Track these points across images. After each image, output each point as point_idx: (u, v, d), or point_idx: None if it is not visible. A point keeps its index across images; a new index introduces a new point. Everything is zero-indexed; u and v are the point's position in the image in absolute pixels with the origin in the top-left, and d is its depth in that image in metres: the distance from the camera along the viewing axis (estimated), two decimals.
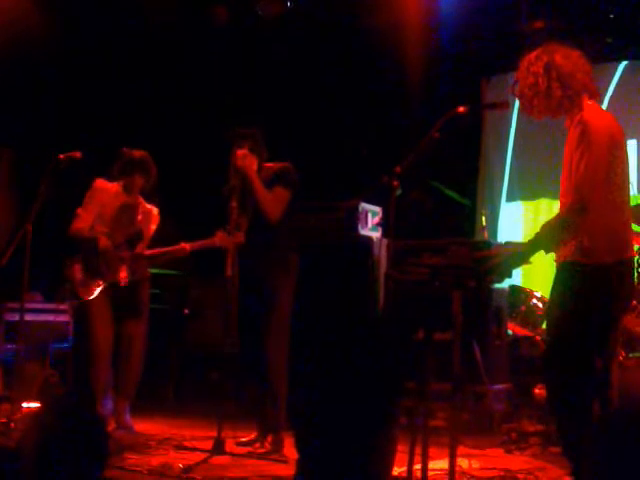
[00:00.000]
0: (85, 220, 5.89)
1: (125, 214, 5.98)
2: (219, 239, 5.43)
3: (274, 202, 5.25)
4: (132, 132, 7.88)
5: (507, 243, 4.35)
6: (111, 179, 6.01)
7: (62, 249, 6.01)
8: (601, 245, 3.70)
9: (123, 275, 5.83)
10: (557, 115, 3.90)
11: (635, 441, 3.25)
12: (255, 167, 5.28)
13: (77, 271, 5.84)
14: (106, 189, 5.98)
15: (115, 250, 5.84)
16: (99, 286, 5.79)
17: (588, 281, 3.70)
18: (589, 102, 3.83)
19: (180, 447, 5.30)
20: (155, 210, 6.10)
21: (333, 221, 6.71)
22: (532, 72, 3.85)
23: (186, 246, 5.80)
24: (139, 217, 6.01)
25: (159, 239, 6.07)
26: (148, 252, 5.94)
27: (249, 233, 5.26)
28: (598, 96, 3.95)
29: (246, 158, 5.21)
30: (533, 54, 3.91)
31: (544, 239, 3.74)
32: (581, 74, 3.84)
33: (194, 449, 5.18)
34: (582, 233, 3.68)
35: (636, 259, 5.80)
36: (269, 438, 5.22)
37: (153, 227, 6.06)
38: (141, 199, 6.07)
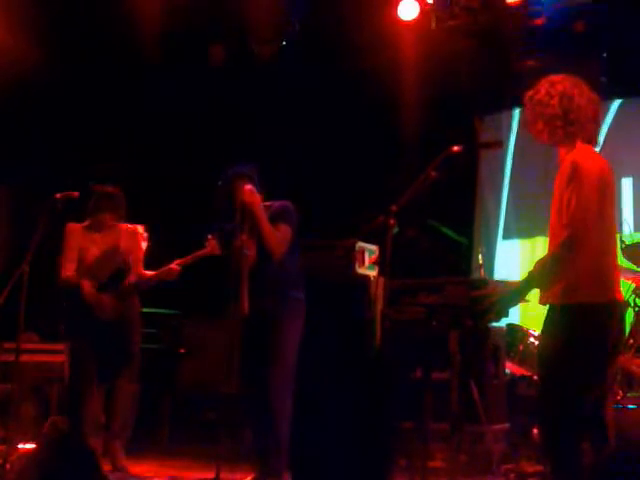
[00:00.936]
0: (69, 268, 5.98)
1: (105, 253, 6.01)
2: (211, 248, 5.47)
3: (279, 238, 5.24)
4: (130, 168, 7.93)
5: (501, 282, 4.35)
6: (84, 218, 6.08)
7: (60, 289, 6.03)
8: (587, 285, 3.69)
9: (113, 312, 5.86)
10: (551, 141, 3.91)
11: None
12: (260, 203, 5.27)
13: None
14: (78, 230, 6.05)
15: (100, 290, 5.87)
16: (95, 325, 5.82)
17: (575, 321, 3.69)
18: (583, 144, 3.84)
19: None
20: (140, 228, 6.13)
21: (330, 259, 6.71)
22: (548, 93, 3.86)
23: (172, 266, 5.81)
24: (120, 250, 6.02)
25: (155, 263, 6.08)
26: (135, 280, 5.94)
27: (255, 269, 5.24)
28: (595, 142, 3.95)
29: (253, 194, 5.21)
30: (558, 77, 3.91)
31: (538, 277, 3.74)
32: (586, 111, 3.85)
33: None
34: (570, 271, 3.67)
35: (632, 298, 5.82)
36: None
37: (143, 245, 6.09)
38: (121, 226, 6.10)
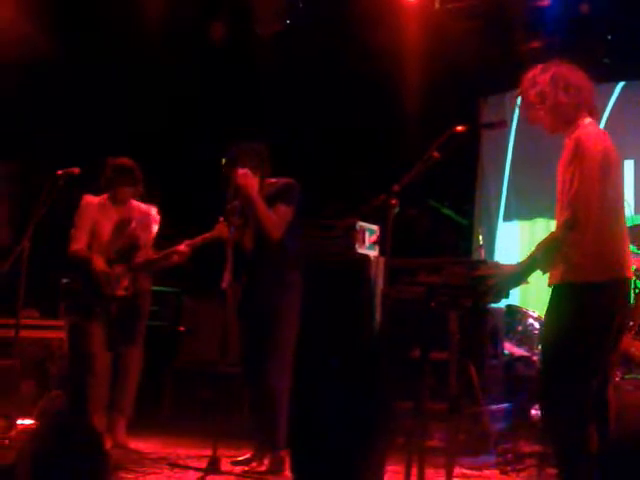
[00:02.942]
0: (80, 240, 5.86)
1: (117, 227, 5.95)
2: (219, 230, 5.39)
3: (276, 220, 5.19)
4: (137, 146, 7.90)
5: (495, 264, 4.33)
6: (99, 192, 6.01)
7: (60, 266, 6.02)
8: (591, 263, 3.67)
9: (122, 289, 5.83)
10: (559, 127, 3.89)
11: (632, 466, 3.24)
12: (256, 186, 5.21)
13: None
14: (94, 204, 5.95)
15: (110, 266, 5.82)
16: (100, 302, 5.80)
17: (579, 300, 3.68)
18: (587, 120, 3.84)
19: (175, 465, 5.26)
20: (154, 210, 6.04)
21: (330, 239, 6.71)
22: (540, 81, 3.86)
23: (182, 247, 5.74)
24: (133, 225, 5.96)
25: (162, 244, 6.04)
26: (143, 259, 5.90)
27: (252, 252, 5.24)
28: (597, 114, 3.95)
29: (247, 177, 5.16)
30: (539, 66, 3.92)
31: (540, 258, 3.73)
32: (585, 90, 3.86)
33: (188, 467, 5.15)
34: (573, 251, 3.66)
35: (633, 280, 5.81)
36: (267, 457, 5.16)
37: (155, 227, 6.01)
38: (135, 203, 6.02)
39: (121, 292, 5.83)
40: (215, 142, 5.73)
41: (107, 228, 5.92)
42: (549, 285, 3.81)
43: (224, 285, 5.01)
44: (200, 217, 5.74)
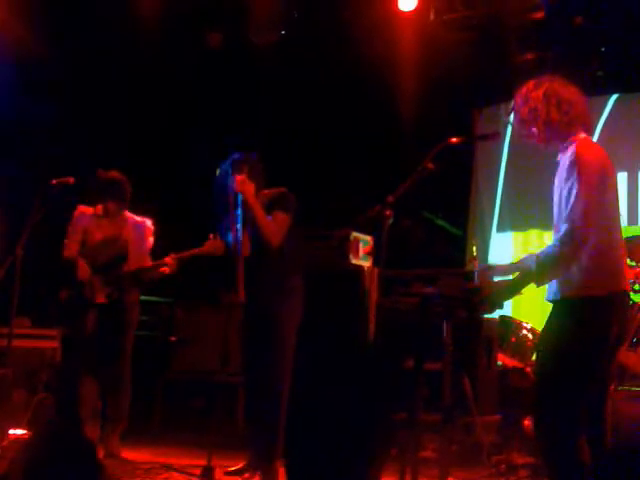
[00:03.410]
0: (72, 249, 5.99)
1: (106, 239, 6.00)
2: (209, 246, 5.42)
3: (274, 227, 5.21)
4: (131, 154, 7.90)
5: (489, 267, 4.32)
6: (91, 203, 6.07)
7: (53, 274, 6.03)
8: (590, 277, 3.67)
9: (104, 296, 5.85)
10: (553, 143, 3.90)
11: (627, 477, 3.25)
12: (254, 192, 5.22)
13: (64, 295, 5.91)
14: (87, 215, 6.05)
15: (95, 275, 5.86)
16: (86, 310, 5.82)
17: (578, 315, 3.67)
18: (582, 135, 3.84)
19: (170, 469, 5.24)
20: (148, 222, 6.10)
21: (324, 250, 6.71)
22: (532, 97, 3.86)
23: (167, 260, 5.77)
24: (124, 236, 6.00)
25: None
26: (135, 267, 5.92)
27: (251, 259, 5.24)
28: (591, 129, 3.96)
29: (245, 183, 5.17)
30: (532, 82, 3.92)
31: (536, 272, 3.72)
32: (578, 105, 3.86)
33: (182, 472, 5.14)
34: (572, 265, 3.66)
35: None
36: (261, 467, 5.13)
37: (150, 239, 6.06)
38: (128, 215, 6.09)
39: (101, 299, 5.87)
40: (214, 153, 5.73)
41: (97, 239, 6.01)
42: (547, 300, 3.80)
43: (241, 297, 4.98)
44: (198, 228, 5.75)
